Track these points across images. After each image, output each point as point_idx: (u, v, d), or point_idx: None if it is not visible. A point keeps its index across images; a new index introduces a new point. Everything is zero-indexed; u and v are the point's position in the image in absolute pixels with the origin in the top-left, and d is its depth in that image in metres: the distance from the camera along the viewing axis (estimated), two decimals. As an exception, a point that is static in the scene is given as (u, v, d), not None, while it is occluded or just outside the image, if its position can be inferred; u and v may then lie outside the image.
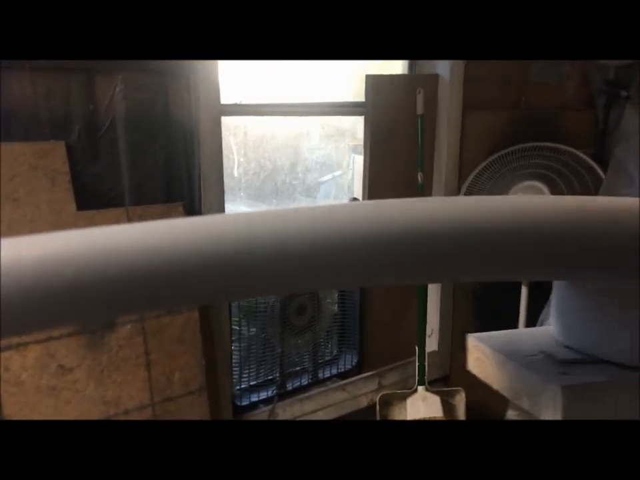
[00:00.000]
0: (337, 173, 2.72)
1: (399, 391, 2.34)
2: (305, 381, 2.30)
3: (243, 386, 2.15)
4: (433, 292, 2.51)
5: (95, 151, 1.65)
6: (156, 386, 1.69)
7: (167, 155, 1.77)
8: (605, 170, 2.36)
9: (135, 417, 1.64)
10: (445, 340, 2.57)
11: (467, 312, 2.59)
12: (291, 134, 2.48)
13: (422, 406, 2.28)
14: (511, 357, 0.75)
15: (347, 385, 2.34)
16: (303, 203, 2.57)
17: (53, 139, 1.57)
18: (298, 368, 2.31)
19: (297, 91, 2.27)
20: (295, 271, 0.57)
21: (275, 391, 2.20)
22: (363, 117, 2.30)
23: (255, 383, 2.18)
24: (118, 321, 1.62)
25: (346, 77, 2.46)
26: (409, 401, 2.30)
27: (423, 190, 2.33)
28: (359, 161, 2.45)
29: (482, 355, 0.79)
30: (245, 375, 2.14)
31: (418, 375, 2.31)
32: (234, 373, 2.09)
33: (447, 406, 2.32)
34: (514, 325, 2.36)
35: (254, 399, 2.16)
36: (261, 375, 2.20)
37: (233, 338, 2.08)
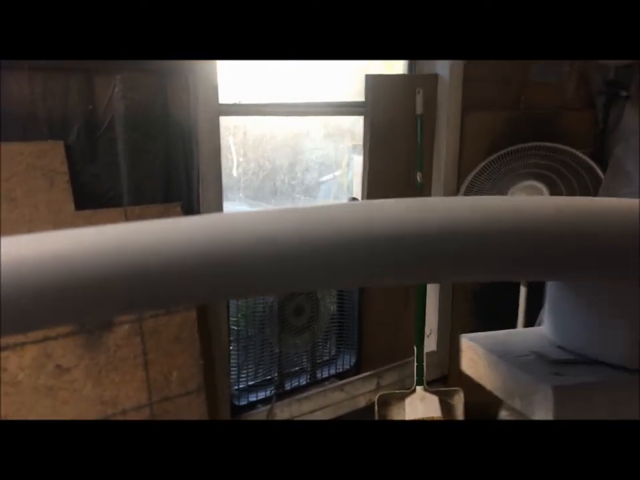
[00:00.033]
0: (338, 173, 2.72)
1: (397, 391, 2.34)
2: (303, 381, 2.30)
3: (241, 386, 2.15)
4: (432, 292, 2.51)
5: (94, 151, 1.64)
6: (154, 386, 1.68)
7: (165, 155, 1.77)
8: (604, 170, 2.36)
9: (132, 416, 1.64)
10: (443, 340, 2.57)
11: (466, 312, 2.59)
12: (290, 134, 2.48)
13: (420, 406, 2.28)
14: (504, 357, 0.75)
15: (345, 385, 2.34)
16: (302, 202, 2.56)
17: (52, 138, 1.57)
18: (296, 368, 2.31)
19: (296, 91, 2.27)
20: (293, 270, 0.57)
21: (273, 391, 2.20)
22: (362, 116, 2.30)
23: (253, 382, 2.18)
24: (115, 321, 1.61)
25: (346, 77, 2.46)
26: (408, 401, 2.30)
27: (422, 189, 2.33)
28: (358, 160, 2.45)
29: (475, 355, 0.79)
30: (243, 375, 2.14)
31: (416, 375, 2.31)
32: (232, 372, 2.09)
33: (446, 406, 2.32)
34: (513, 325, 2.36)
35: (252, 398, 2.16)
36: (259, 374, 2.20)
37: (232, 338, 2.08)
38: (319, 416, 2.23)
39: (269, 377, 2.23)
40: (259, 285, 0.60)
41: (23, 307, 0.50)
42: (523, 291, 2.37)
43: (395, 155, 2.33)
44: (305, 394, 2.25)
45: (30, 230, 0.52)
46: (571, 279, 0.73)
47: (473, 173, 2.34)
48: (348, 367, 2.42)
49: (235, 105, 2.03)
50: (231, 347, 2.07)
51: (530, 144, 2.31)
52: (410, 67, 2.48)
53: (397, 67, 2.51)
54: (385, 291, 2.41)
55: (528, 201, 0.66)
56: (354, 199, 2.50)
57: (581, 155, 2.33)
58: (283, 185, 2.53)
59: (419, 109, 2.31)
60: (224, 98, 1.91)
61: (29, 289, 0.49)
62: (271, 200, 2.53)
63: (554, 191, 2.28)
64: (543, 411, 0.67)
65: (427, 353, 2.38)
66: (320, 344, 2.36)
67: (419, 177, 2.31)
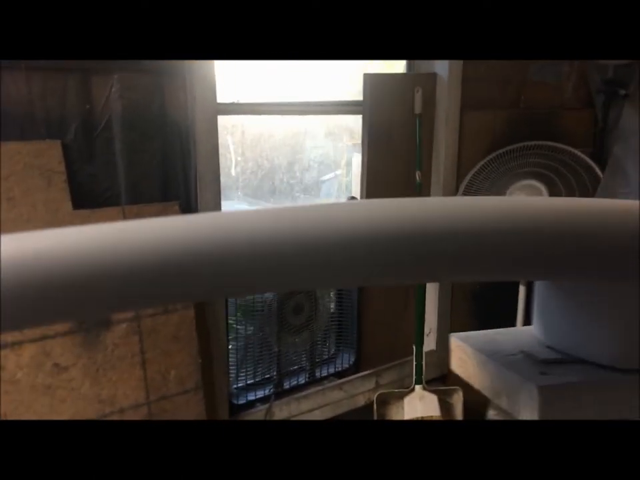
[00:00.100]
0: (339, 172, 2.72)
1: (396, 390, 2.34)
2: (302, 380, 2.30)
3: (239, 384, 2.15)
4: (431, 291, 2.51)
5: (91, 151, 1.64)
6: (151, 384, 1.68)
7: (163, 155, 1.77)
8: (603, 169, 2.36)
9: (130, 415, 1.64)
10: (442, 339, 2.57)
11: (465, 311, 2.59)
12: (289, 133, 2.48)
13: (419, 405, 2.28)
14: (492, 356, 0.75)
15: (344, 383, 2.34)
16: (301, 201, 2.56)
17: (49, 138, 1.56)
18: (295, 367, 2.31)
19: (294, 90, 2.27)
20: (291, 269, 0.57)
21: (272, 390, 2.20)
22: (361, 115, 2.30)
23: (251, 381, 2.18)
24: (113, 320, 1.61)
25: (345, 76, 2.46)
26: (407, 400, 2.29)
27: (421, 189, 2.33)
28: (358, 159, 2.45)
29: (464, 354, 0.80)
30: (241, 374, 2.14)
31: (415, 374, 2.31)
32: (231, 371, 2.09)
33: (445, 405, 2.32)
34: (512, 325, 2.36)
35: (251, 397, 2.16)
36: (258, 373, 2.19)
37: (230, 336, 2.08)
38: (317, 415, 2.23)
39: (268, 376, 2.22)
40: (256, 283, 0.60)
41: (22, 303, 0.50)
42: (522, 290, 2.37)
43: (394, 154, 2.33)
44: (303, 393, 2.25)
45: (28, 229, 0.52)
46: (571, 279, 0.73)
47: (472, 172, 2.34)
48: (347, 365, 2.42)
49: (232, 104, 2.02)
50: (229, 346, 2.07)
51: (529, 143, 2.31)
52: (409, 66, 2.48)
53: (396, 66, 2.51)
54: (384, 290, 2.41)
55: (528, 201, 0.66)
56: (353, 197, 2.50)
57: (579, 154, 2.33)
58: (281, 184, 2.53)
59: (418, 108, 2.31)
60: (222, 97, 1.90)
61: (26, 286, 0.49)
62: (269, 199, 2.53)
63: (553, 190, 2.28)
64: (528, 410, 0.67)
65: (426, 352, 2.37)
66: (319, 343, 2.36)
67: (417, 176, 2.31)
